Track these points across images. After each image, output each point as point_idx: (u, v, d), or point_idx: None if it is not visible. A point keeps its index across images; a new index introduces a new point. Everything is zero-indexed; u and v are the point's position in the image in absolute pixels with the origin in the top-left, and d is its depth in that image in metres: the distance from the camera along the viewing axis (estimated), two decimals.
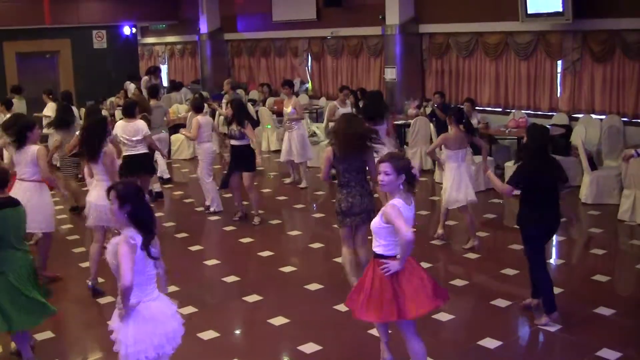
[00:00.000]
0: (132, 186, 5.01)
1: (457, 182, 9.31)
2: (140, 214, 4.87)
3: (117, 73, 22.05)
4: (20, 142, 8.07)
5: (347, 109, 13.31)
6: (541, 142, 7.07)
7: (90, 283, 8.20)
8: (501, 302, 7.58)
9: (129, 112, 10.96)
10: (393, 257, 5.43)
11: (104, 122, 8.43)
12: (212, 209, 11.66)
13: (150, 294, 4.96)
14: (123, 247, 4.72)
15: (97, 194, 7.96)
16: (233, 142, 10.91)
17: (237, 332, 7.40)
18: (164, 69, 27.79)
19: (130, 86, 19.83)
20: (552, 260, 9.17)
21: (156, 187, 12.65)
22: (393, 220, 5.25)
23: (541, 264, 7.13)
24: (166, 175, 13.98)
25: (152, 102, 13.48)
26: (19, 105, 17.62)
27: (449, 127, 9.56)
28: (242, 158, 10.87)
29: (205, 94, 19.76)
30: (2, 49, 21.24)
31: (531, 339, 7.02)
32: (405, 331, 5.60)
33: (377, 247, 5.53)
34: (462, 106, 12.89)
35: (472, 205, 9.65)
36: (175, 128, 16.60)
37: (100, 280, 8.20)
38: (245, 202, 11.21)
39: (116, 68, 22.55)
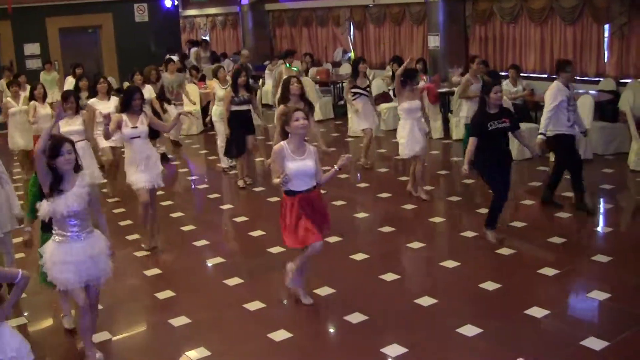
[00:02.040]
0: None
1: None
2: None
3: (159, 46, 22.10)
4: None
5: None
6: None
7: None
8: (548, 271, 7.48)
9: None
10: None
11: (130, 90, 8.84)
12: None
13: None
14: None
15: None
16: (239, 107, 11.35)
17: (284, 302, 7.41)
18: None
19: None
20: (599, 228, 9.06)
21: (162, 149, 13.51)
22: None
23: None
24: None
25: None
26: (47, 78, 17.93)
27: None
28: (247, 121, 11.51)
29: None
30: (45, 24, 21.39)
31: (579, 307, 6.94)
32: None
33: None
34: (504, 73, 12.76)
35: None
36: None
37: None
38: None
39: (157, 41, 22.61)
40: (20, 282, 4.75)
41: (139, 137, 8.42)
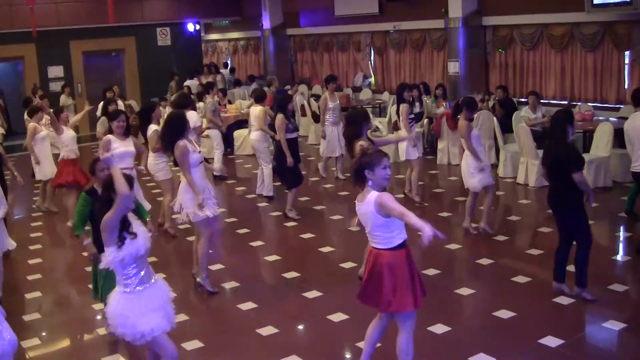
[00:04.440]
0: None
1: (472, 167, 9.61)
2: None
3: (181, 70, 22.29)
4: None
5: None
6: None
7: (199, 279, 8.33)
8: (564, 300, 7.42)
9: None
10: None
11: (183, 116, 8.19)
12: (259, 193, 12.40)
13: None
14: None
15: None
16: (292, 135, 11.09)
17: (299, 327, 7.39)
18: (229, 64, 28.16)
19: (193, 83, 19.97)
20: (618, 257, 9.00)
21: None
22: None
23: None
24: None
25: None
26: (67, 101, 18.15)
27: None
28: (297, 150, 11.29)
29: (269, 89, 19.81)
30: (69, 48, 21.68)
31: (595, 337, 6.86)
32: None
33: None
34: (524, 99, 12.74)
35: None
36: (238, 124, 16.75)
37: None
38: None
39: (180, 65, 22.80)
40: None
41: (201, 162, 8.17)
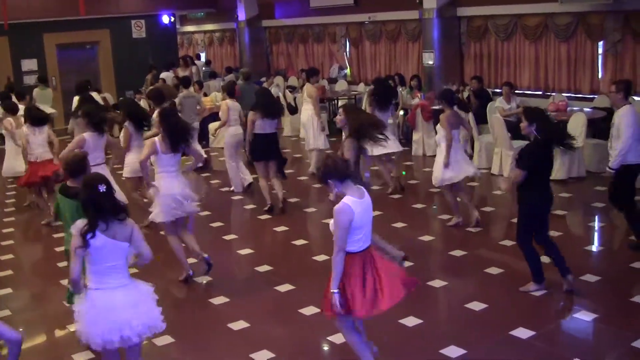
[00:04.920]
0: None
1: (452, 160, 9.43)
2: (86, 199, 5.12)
3: (157, 62, 22.09)
4: None
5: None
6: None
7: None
8: (536, 291, 7.43)
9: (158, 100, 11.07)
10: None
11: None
12: (232, 189, 12.36)
13: (109, 283, 5.14)
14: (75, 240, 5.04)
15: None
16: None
17: (271, 321, 7.35)
18: (202, 56, 28.02)
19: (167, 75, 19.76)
20: (593, 247, 9.04)
21: None
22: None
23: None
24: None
25: (184, 92, 13.67)
26: (42, 95, 17.91)
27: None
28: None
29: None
30: (42, 40, 21.41)
31: (566, 327, 6.88)
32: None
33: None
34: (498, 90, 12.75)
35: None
36: (213, 117, 16.61)
37: None
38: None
39: (155, 57, 22.60)
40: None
41: None
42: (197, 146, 11.38)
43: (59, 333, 7.30)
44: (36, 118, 10.76)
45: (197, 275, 8.30)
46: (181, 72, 19.61)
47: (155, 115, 9.24)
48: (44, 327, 7.49)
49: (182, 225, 8.27)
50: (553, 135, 7.30)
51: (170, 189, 7.91)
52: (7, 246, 10.19)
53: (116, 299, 5.13)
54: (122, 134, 10.06)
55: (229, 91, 12.11)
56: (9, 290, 8.41)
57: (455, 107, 9.76)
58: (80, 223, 5.05)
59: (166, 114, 8.16)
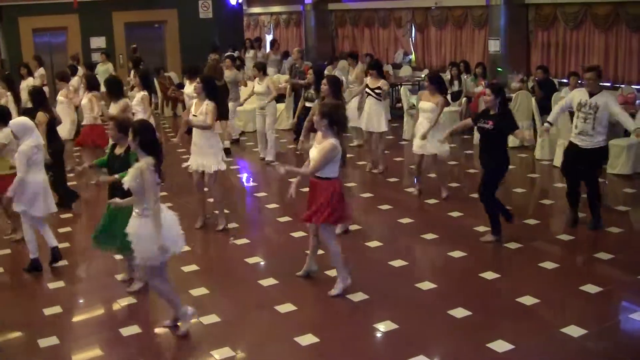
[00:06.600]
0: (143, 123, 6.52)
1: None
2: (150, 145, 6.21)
3: (222, 43, 22.20)
4: None
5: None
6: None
7: None
8: (591, 288, 7.23)
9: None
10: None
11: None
12: (267, 159, 13.23)
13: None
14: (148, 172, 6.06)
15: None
16: (309, 104, 11.84)
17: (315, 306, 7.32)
18: (268, 38, 27.99)
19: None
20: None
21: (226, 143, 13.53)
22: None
23: None
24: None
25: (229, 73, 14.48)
26: (104, 68, 18.31)
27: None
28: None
29: (308, 63, 19.59)
30: (111, 19, 21.75)
31: (621, 327, 6.68)
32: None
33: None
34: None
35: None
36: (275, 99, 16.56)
37: None
38: None
39: (221, 38, 22.72)
40: None
41: None
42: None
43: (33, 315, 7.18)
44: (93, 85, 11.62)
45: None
46: (244, 55, 19.64)
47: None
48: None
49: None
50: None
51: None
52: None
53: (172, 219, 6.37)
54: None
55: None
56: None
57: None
58: (151, 160, 6.07)
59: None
